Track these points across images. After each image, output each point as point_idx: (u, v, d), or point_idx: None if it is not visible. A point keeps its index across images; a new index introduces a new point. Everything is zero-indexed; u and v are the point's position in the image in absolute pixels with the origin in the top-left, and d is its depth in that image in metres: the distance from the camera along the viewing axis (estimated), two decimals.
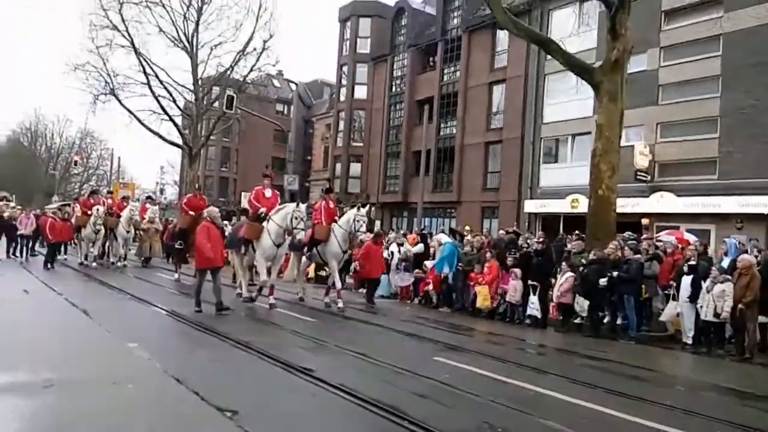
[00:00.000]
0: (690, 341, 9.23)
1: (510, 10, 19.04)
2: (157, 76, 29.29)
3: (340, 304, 10.92)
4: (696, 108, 19.28)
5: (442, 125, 29.84)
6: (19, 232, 18.40)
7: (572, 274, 10.45)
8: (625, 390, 6.02)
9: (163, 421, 4.37)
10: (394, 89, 33.31)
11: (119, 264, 16.92)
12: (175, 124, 31.14)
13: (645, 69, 20.26)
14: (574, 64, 14.00)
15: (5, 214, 19.19)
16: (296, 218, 10.28)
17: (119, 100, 29.19)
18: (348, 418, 4.76)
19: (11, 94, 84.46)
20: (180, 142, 31.98)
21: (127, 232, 17.12)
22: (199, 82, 30.30)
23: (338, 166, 36.05)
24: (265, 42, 28.99)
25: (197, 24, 29.58)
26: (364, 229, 11.59)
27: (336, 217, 11.69)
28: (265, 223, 10.75)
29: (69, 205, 26.28)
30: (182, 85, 30.29)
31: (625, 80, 13.08)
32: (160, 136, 31.00)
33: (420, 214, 23.83)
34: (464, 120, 28.32)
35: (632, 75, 17.47)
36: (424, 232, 16.81)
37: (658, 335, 9.89)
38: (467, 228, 16.71)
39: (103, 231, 16.77)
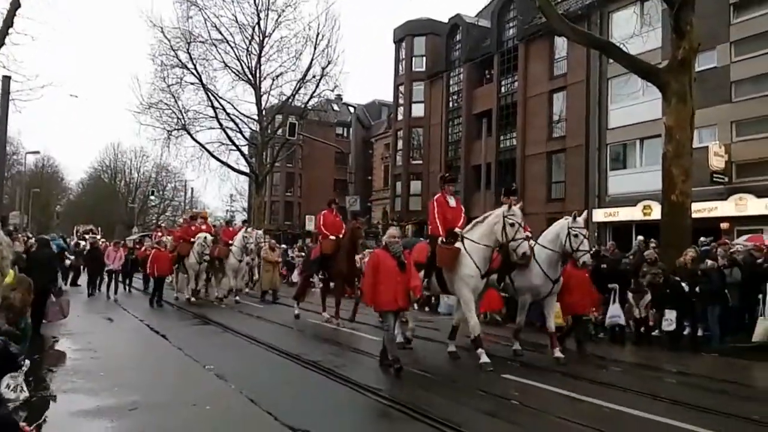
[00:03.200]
0: None
1: (566, 16, 18.74)
2: (224, 109, 30.74)
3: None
4: None
5: (502, 137, 29.46)
6: (107, 268, 16.73)
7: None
8: (710, 405, 5.66)
9: None
10: (451, 105, 33.27)
11: (234, 298, 14.75)
12: (242, 154, 32.46)
13: (715, 66, 19.27)
14: (638, 66, 13.53)
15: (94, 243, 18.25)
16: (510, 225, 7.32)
17: (191, 135, 30.78)
18: None
19: (92, 132, 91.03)
20: (247, 170, 33.29)
21: (239, 261, 14.98)
22: (263, 111, 31.50)
23: (399, 184, 36.25)
24: (323, 69, 29.88)
25: (259, 57, 30.85)
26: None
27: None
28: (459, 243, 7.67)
29: (149, 236, 27.74)
30: (247, 116, 31.63)
31: (693, 79, 12.48)
32: (229, 166, 32.40)
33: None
34: (525, 130, 27.83)
35: (702, 73, 16.65)
36: None
37: (745, 346, 9.21)
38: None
39: (208, 260, 14.77)
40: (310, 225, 32.96)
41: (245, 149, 32.82)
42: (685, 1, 11.97)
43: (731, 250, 10.28)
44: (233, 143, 31.45)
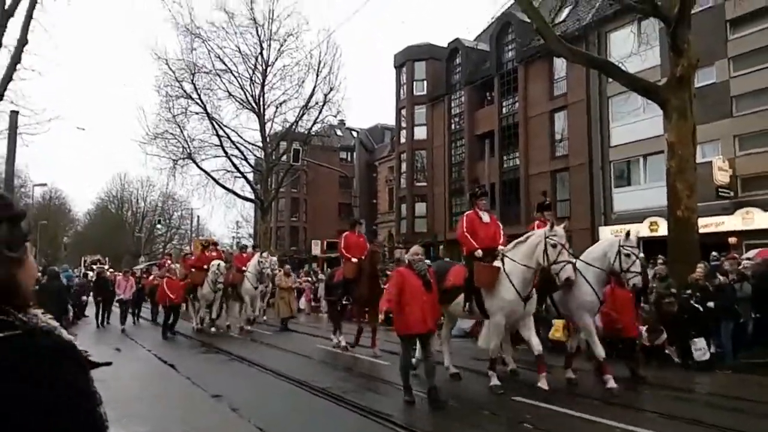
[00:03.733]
0: None
1: (564, 37, 18.94)
2: (229, 138, 31.04)
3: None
4: None
5: (505, 158, 29.59)
6: (118, 297, 16.37)
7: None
8: (727, 425, 5.58)
9: None
10: (453, 127, 33.52)
11: (247, 327, 14.38)
12: (247, 180, 32.68)
13: (714, 81, 19.40)
14: (638, 84, 13.64)
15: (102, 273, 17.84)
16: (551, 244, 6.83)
17: (196, 163, 31.03)
18: None
19: (98, 164, 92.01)
20: (252, 196, 33.47)
21: (255, 288, 14.53)
22: (267, 138, 31.80)
23: (403, 207, 36.33)
24: (326, 95, 30.23)
25: (263, 85, 31.28)
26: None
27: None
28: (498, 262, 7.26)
29: (156, 265, 27.72)
30: (252, 144, 31.91)
31: (693, 95, 12.56)
32: (234, 193, 32.58)
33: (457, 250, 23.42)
34: (527, 150, 27.97)
35: (701, 89, 16.76)
36: None
37: (758, 363, 9.06)
38: None
39: (221, 288, 14.26)
40: (315, 249, 33.00)
41: (250, 176, 33.05)
42: (682, 19, 12.11)
43: (740, 266, 10.20)
44: (238, 170, 31.69)
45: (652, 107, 16.21)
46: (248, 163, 32.38)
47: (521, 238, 7.40)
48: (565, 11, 27.52)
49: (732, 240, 16.99)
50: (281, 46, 30.73)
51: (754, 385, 8.12)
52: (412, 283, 6.40)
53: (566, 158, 25.99)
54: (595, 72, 20.89)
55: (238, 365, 9.66)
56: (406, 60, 36.17)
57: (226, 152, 31.00)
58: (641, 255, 7.62)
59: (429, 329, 6.51)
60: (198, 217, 49.07)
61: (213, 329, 14.22)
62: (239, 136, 31.40)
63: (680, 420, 5.84)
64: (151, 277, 19.56)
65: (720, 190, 18.54)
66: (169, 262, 19.08)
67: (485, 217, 7.75)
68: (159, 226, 57.84)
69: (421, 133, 35.55)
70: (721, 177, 18.66)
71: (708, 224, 16.08)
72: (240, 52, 30.49)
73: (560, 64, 25.88)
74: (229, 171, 31.62)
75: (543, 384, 6.97)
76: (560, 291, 7.56)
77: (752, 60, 18.93)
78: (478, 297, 7.30)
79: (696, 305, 9.27)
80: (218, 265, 14.06)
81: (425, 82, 35.44)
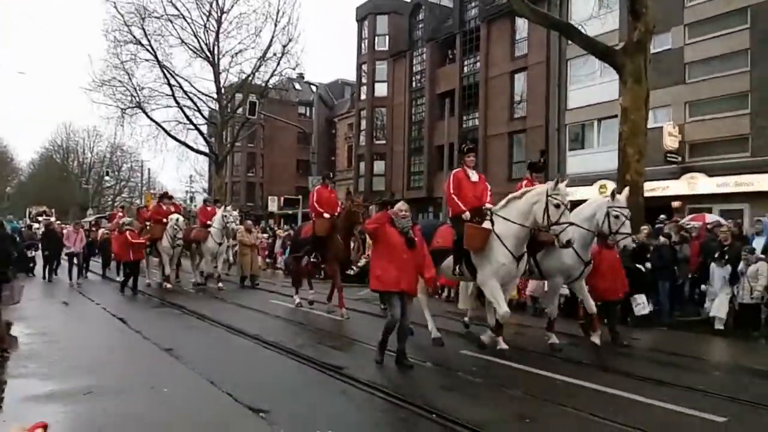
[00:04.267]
0: (722, 326, 8.90)
1: None
2: (181, 87, 29.87)
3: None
4: (725, 84, 18.72)
5: (465, 118, 29.64)
6: (67, 250, 15.59)
7: None
8: (660, 377, 5.91)
9: (201, 421, 4.48)
10: (414, 85, 33.22)
11: (217, 285, 13.55)
12: (201, 133, 31.70)
13: (670, 48, 19.77)
14: (596, 48, 13.75)
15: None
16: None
17: (146, 113, 29.85)
18: (380, 411, 4.81)
19: (41, 111, 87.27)
20: (206, 150, 32.57)
21: (219, 244, 13.90)
22: (222, 90, 30.76)
23: (362, 164, 36.15)
24: (284, 47, 29.28)
25: (217, 33, 30.02)
26: None
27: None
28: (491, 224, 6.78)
29: (106, 217, 26.76)
30: (206, 94, 30.83)
31: (649, 61, 12.77)
32: (187, 146, 31.62)
33: (446, 208, 23.73)
34: (486, 111, 28.07)
35: (657, 55, 17.07)
36: None
37: (692, 320, 9.63)
38: None
39: (182, 244, 13.84)
40: (272, 206, 32.62)
41: (204, 128, 32.05)
42: None
43: (681, 230, 10.65)
44: (191, 122, 30.66)
45: (609, 71, 16.43)
46: (202, 114, 31.34)
47: (515, 194, 6.96)
48: None
49: (675, 204, 17.69)
50: None
51: (686, 341, 8.63)
52: (393, 239, 5.97)
53: (524, 120, 26.24)
54: (556, 34, 20.92)
55: (191, 319, 9.57)
56: (368, 13, 35.32)
57: (178, 102, 29.89)
58: (629, 215, 7.28)
59: (404, 290, 6.01)
60: (149, 169, 47.58)
61: (169, 285, 13.61)
62: (192, 86, 30.28)
63: (616, 372, 6.14)
64: (101, 231, 18.87)
65: (668, 155, 19.16)
66: (120, 214, 18.37)
67: (473, 176, 7.29)
68: (107, 178, 55.87)
69: (382, 89, 35.10)
70: (671, 142, 19.26)
71: (655, 188, 16.65)
72: None
73: (522, 25, 25.81)
74: (181, 122, 30.58)
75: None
76: (544, 250, 7.29)
77: (707, 27, 19.32)
78: (468, 260, 6.89)
79: (638, 265, 9.66)
80: (176, 219, 13.53)
81: (387, 37, 34.79)
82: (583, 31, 14.04)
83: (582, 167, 22.76)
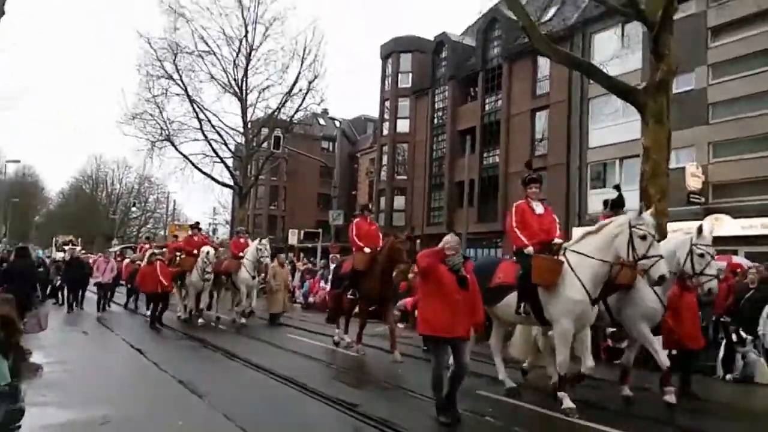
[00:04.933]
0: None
1: (549, 36, 19.05)
2: (209, 121, 30.64)
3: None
4: (750, 125, 18.54)
5: (485, 155, 29.75)
6: (95, 281, 15.45)
7: None
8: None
9: None
10: (436, 121, 33.58)
11: (241, 320, 13.07)
12: (227, 166, 32.33)
13: (693, 88, 19.74)
14: (617, 87, 13.75)
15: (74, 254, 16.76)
16: None
17: (174, 146, 30.60)
18: None
19: (75, 143, 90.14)
20: (231, 182, 33.13)
21: (253, 278, 13.23)
22: (249, 124, 31.45)
23: (383, 199, 36.33)
24: (310, 83, 29.99)
25: (246, 69, 30.88)
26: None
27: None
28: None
29: (132, 248, 27.11)
30: (233, 128, 31.55)
31: (671, 101, 12.73)
32: (213, 178, 32.21)
33: (464, 244, 23.64)
34: (507, 148, 28.15)
35: (679, 95, 17.05)
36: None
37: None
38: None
39: (212, 278, 13.18)
40: (292, 239, 32.80)
41: (230, 162, 32.71)
42: (664, 24, 12.25)
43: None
44: (217, 155, 31.33)
45: (631, 111, 16.40)
46: (228, 148, 32.04)
47: (591, 229, 6.38)
48: (552, 10, 27.74)
49: None
50: (266, 30, 30.38)
51: (745, 392, 8.30)
52: (443, 277, 5.33)
53: (545, 158, 26.21)
54: (578, 73, 21.05)
55: (209, 353, 9.59)
56: (392, 51, 36.06)
57: (205, 136, 30.63)
58: (714, 254, 6.51)
59: (460, 335, 5.33)
60: (174, 201, 48.55)
61: (201, 320, 13.02)
62: (220, 120, 31.06)
63: (637, 418, 5.95)
64: (126, 260, 18.90)
65: (691, 195, 18.90)
66: (147, 246, 18.49)
67: (538, 208, 6.78)
68: (134, 208, 57.08)
69: (404, 126, 35.53)
70: (694, 183, 19.02)
71: (678, 229, 16.32)
72: (224, 34, 30.06)
73: (544, 63, 26.05)
74: (207, 155, 31.25)
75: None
76: (615, 294, 6.51)
77: (731, 68, 19.29)
78: (535, 298, 6.20)
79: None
80: (207, 252, 12.95)
81: (410, 74, 35.38)
82: (605, 70, 14.10)
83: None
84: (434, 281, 5.38)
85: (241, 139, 32.28)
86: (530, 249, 6.33)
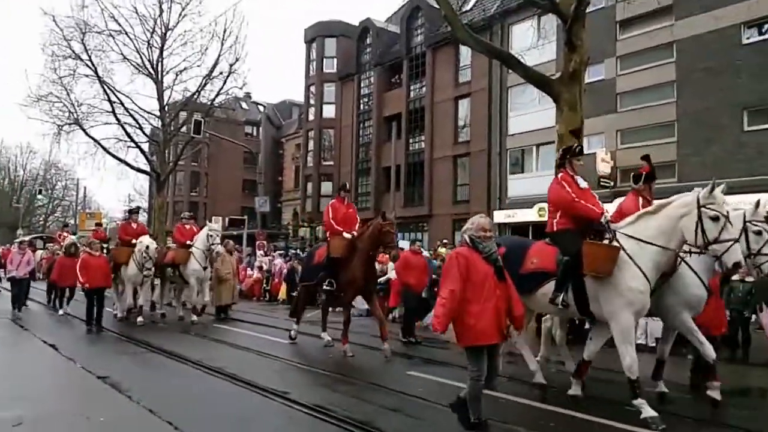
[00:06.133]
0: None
1: (470, 26, 19.58)
2: (122, 104, 28.94)
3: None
4: (654, 114, 19.96)
5: (411, 140, 30.20)
6: (9, 275, 13.87)
7: None
8: (594, 393, 6.13)
9: None
10: (362, 107, 33.62)
11: (192, 318, 11.80)
12: (142, 151, 30.76)
13: (603, 78, 20.94)
14: (534, 77, 14.33)
15: None
16: None
17: (84, 130, 28.70)
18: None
19: None
20: (147, 168, 31.65)
21: (205, 268, 11.86)
22: (166, 107, 30.05)
23: (309, 185, 36.07)
24: (231, 66, 28.92)
25: (161, 50, 29.35)
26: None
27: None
28: None
29: (42, 238, 25.25)
30: (148, 112, 29.97)
31: (583, 90, 13.43)
32: (127, 164, 30.56)
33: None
34: (432, 135, 28.72)
35: (591, 84, 18.01)
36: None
37: None
38: (445, 240, 16.96)
39: (152, 273, 11.64)
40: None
41: (145, 147, 31.15)
42: (577, 16, 12.86)
43: None
44: (132, 140, 29.66)
45: (547, 99, 17.15)
46: (143, 132, 30.44)
47: (649, 209, 5.56)
48: (472, 1, 28.41)
49: None
50: (183, 9, 28.95)
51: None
52: (481, 270, 4.46)
53: (468, 144, 27.00)
54: (497, 62, 21.71)
55: (130, 346, 9.22)
56: (316, 35, 35.63)
57: (118, 119, 28.90)
58: None
59: (502, 338, 4.62)
60: (85, 188, 45.76)
61: (140, 320, 11.36)
62: (134, 102, 29.31)
63: (553, 388, 6.34)
64: (40, 252, 17.50)
65: (602, 179, 20.16)
66: (65, 235, 17.02)
67: (582, 182, 5.98)
68: (40, 196, 53.19)
69: (329, 111, 35.32)
70: (603, 168, 20.29)
71: None
72: (137, 12, 28.39)
73: (466, 53, 26.70)
74: (121, 140, 29.52)
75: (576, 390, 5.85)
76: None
77: (637, 60, 20.61)
78: (581, 289, 5.51)
79: None
80: (147, 247, 11.28)
81: (335, 59, 35.17)
82: (522, 60, 14.66)
83: (522, 191, 23.60)
84: (472, 283, 4.44)
85: (157, 123, 30.79)
86: (607, 216, 5.60)
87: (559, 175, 6.07)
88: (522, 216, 23.06)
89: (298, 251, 23.28)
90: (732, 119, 17.95)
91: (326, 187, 35.24)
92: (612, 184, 20.45)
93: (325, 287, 8.65)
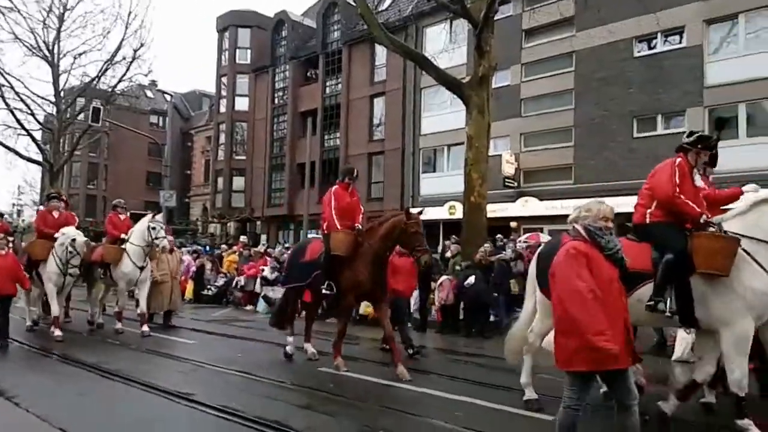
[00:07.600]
0: None
1: (386, 25, 19.83)
2: (12, 87, 26.64)
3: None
4: (554, 119, 21.22)
5: (326, 137, 30.10)
6: None
7: (447, 277, 11.07)
8: (499, 383, 6.48)
9: None
10: (276, 101, 33.04)
11: (116, 326, 9.85)
12: (34, 139, 28.51)
13: (509, 83, 21.98)
14: (445, 79, 14.83)
15: None
16: None
17: None
18: None
19: None
20: (40, 158, 29.32)
21: (141, 269, 9.93)
22: (62, 93, 27.99)
23: (220, 180, 34.96)
24: (135, 51, 27.45)
25: (59, 31, 27.33)
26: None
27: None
28: None
29: None
30: (42, 97, 27.80)
31: (491, 94, 14.10)
32: (17, 153, 28.24)
33: (306, 226, 23.82)
34: (348, 132, 28.79)
35: (498, 89, 18.89)
36: None
37: None
38: None
39: (77, 272, 9.66)
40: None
41: (38, 135, 28.86)
42: (486, 23, 13.46)
43: (516, 246, 11.87)
44: (23, 127, 27.44)
45: (457, 102, 17.85)
46: (36, 119, 28.20)
47: (758, 196, 4.91)
48: (388, 1, 28.77)
49: (513, 224, 19.58)
50: None
51: None
52: (605, 272, 3.54)
53: (382, 142, 27.33)
54: (411, 63, 22.19)
55: (41, 359, 8.52)
56: (229, 25, 34.54)
57: (7, 104, 26.62)
58: None
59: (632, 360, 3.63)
60: None
61: (58, 333, 9.12)
62: (26, 86, 27.30)
63: (460, 380, 6.65)
64: None
65: (506, 180, 21.21)
66: None
67: (699, 181, 5.15)
68: None
69: (242, 104, 34.40)
70: (508, 169, 21.35)
71: (495, 210, 18.25)
72: None
73: (381, 51, 26.98)
74: (10, 126, 27.27)
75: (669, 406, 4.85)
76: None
77: (540, 68, 21.80)
78: (685, 291, 4.67)
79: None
80: (74, 240, 9.23)
81: (249, 50, 34.28)
82: (435, 63, 15.09)
83: (434, 189, 24.29)
84: (601, 287, 3.48)
85: (51, 110, 28.64)
86: (704, 217, 4.76)
87: (678, 160, 5.02)
88: (433, 214, 23.66)
89: (207, 247, 22.52)
90: (623, 126, 19.47)
91: (238, 182, 34.32)
92: (515, 184, 21.57)
93: (324, 290, 7.20)
